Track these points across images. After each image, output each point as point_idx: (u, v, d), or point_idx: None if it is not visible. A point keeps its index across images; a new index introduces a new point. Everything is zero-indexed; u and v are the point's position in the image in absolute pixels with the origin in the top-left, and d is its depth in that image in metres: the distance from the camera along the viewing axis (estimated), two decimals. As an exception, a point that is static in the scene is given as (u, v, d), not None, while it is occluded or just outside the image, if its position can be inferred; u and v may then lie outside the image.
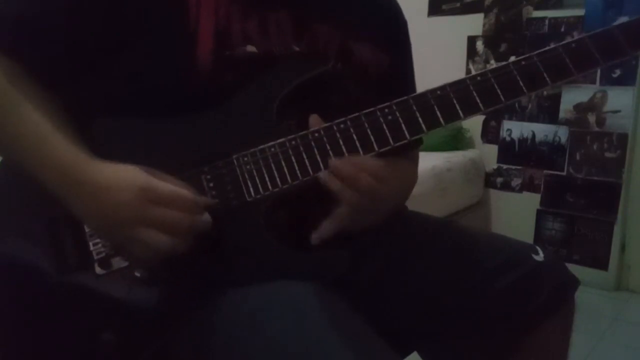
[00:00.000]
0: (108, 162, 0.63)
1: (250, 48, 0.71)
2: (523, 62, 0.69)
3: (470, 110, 0.69)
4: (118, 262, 0.66)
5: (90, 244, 0.66)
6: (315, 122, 0.69)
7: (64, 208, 0.64)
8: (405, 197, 0.85)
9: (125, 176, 0.62)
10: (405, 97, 0.69)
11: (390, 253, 0.83)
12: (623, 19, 2.50)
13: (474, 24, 2.71)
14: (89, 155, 0.64)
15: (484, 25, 2.69)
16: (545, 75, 0.68)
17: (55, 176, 0.63)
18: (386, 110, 0.69)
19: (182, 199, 0.62)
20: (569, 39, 0.69)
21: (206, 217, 0.63)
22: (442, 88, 0.69)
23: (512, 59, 0.70)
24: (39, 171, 0.64)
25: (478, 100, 0.69)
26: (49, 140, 0.63)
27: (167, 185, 0.62)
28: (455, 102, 0.69)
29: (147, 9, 0.68)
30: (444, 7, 2.83)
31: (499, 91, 0.69)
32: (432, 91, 0.69)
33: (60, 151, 0.63)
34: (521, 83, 0.68)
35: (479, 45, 2.71)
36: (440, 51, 2.73)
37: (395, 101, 0.69)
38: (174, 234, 0.61)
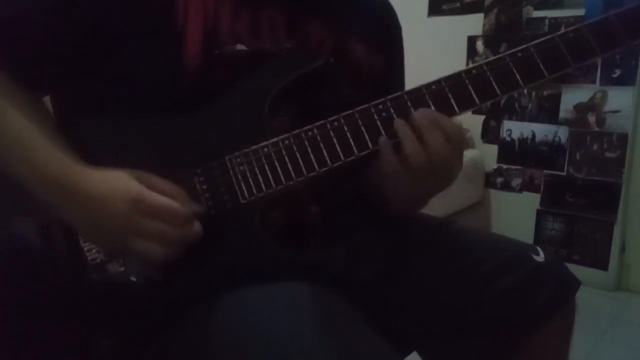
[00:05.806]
0: (95, 168, 0.62)
1: (240, 46, 0.70)
2: (519, 54, 0.68)
3: (466, 104, 0.68)
4: (113, 267, 0.65)
5: (85, 249, 0.65)
6: None
7: (56, 215, 0.63)
8: (451, 181, 0.74)
9: (116, 186, 0.61)
10: (400, 93, 0.68)
11: (390, 253, 0.83)
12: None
13: (474, 24, 2.71)
14: (75, 160, 0.63)
15: (484, 25, 2.69)
16: (541, 66, 0.67)
17: (43, 185, 0.62)
18: (380, 106, 0.68)
19: (173, 212, 0.62)
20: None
21: (197, 227, 0.63)
22: (437, 82, 0.68)
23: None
24: (26, 179, 0.63)
25: (473, 94, 0.68)
26: (33, 146, 0.62)
27: (159, 198, 0.61)
28: (450, 96, 0.67)
29: (135, 9, 0.67)
30: (444, 7, 2.82)
31: (494, 84, 0.68)
32: (427, 86, 0.68)
33: (45, 158, 0.62)
34: (517, 75, 0.67)
35: (479, 45, 2.71)
36: (440, 51, 2.73)
37: (389, 97, 0.68)
38: (165, 245, 0.61)
